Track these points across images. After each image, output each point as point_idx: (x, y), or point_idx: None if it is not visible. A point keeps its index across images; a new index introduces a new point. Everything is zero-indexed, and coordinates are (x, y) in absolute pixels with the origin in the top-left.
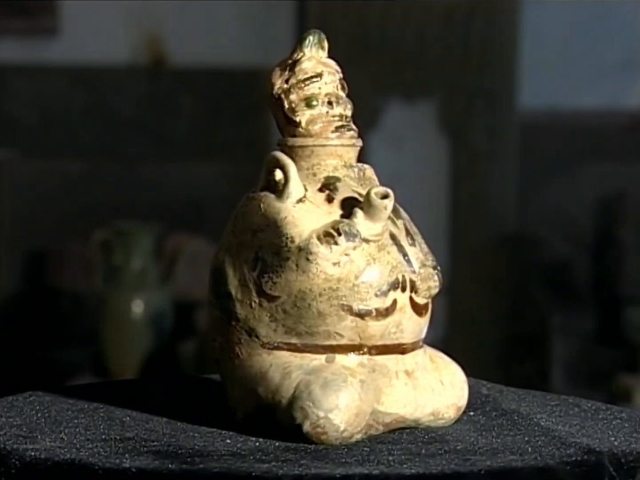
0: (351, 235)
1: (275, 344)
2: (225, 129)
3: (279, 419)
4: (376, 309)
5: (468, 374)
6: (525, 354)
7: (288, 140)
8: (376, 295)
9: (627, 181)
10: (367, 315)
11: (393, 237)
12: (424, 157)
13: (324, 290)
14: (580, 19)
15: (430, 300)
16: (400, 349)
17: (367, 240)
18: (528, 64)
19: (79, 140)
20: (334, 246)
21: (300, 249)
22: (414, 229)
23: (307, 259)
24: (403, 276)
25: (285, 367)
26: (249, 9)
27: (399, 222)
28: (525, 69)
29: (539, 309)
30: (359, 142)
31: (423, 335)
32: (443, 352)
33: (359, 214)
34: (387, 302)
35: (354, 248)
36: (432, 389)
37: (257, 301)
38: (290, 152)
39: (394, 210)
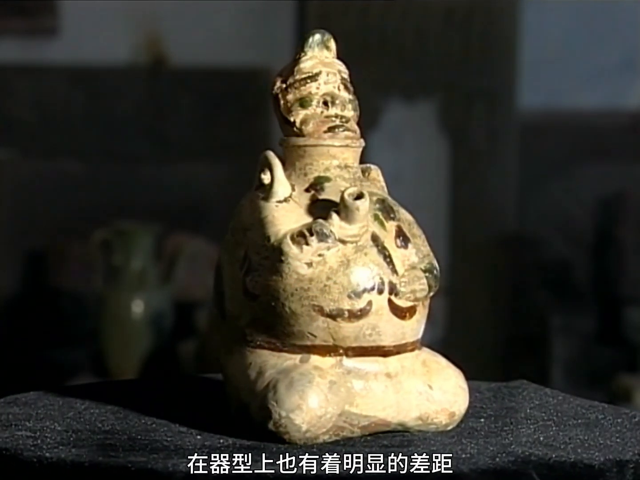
0: (323, 236)
1: (257, 343)
2: (225, 129)
3: (252, 416)
4: (348, 310)
5: (468, 376)
6: (525, 354)
7: (285, 139)
8: (349, 297)
9: (627, 181)
10: (338, 317)
11: (375, 238)
12: (424, 157)
13: (296, 290)
14: (580, 19)
15: (417, 303)
16: (380, 352)
17: (343, 241)
18: (528, 64)
19: (79, 140)
20: (305, 246)
21: (274, 248)
22: (413, 231)
23: (280, 259)
24: (381, 278)
25: (261, 365)
26: (248, 9)
27: (390, 224)
28: (525, 69)
29: (539, 309)
30: (356, 143)
31: (411, 338)
32: (444, 355)
33: (334, 215)
34: (361, 303)
35: (328, 249)
36: (419, 393)
37: (243, 299)
38: (287, 151)
39: (387, 211)
